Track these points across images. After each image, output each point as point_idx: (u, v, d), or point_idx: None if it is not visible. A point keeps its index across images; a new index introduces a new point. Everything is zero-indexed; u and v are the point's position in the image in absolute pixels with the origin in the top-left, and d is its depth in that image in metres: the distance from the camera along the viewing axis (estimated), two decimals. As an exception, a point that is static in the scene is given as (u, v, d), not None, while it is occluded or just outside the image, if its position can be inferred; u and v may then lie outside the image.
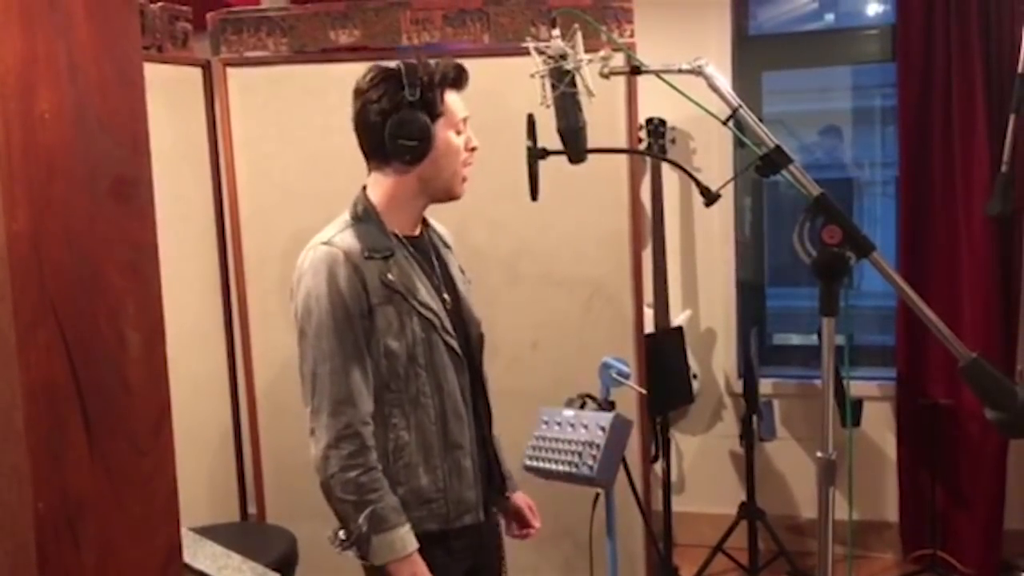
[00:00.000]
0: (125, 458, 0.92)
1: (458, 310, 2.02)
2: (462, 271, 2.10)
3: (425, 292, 1.92)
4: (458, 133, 1.93)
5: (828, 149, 4.18)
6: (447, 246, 2.10)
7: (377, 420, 1.88)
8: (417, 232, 2.01)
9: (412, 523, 1.87)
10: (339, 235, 1.89)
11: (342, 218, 1.95)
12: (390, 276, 1.87)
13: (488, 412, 2.09)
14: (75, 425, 0.88)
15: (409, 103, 1.85)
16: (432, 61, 1.92)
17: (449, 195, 1.97)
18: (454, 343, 1.94)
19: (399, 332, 1.87)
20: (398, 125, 1.86)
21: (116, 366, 0.91)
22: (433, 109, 1.88)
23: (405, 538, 1.84)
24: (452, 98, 1.92)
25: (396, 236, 1.93)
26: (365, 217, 1.92)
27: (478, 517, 1.98)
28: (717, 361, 3.99)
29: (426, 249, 2.01)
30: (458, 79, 1.93)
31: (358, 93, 1.91)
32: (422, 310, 1.90)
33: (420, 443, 1.90)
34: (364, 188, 1.97)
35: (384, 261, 1.88)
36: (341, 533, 1.86)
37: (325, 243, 1.88)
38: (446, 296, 1.98)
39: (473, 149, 1.96)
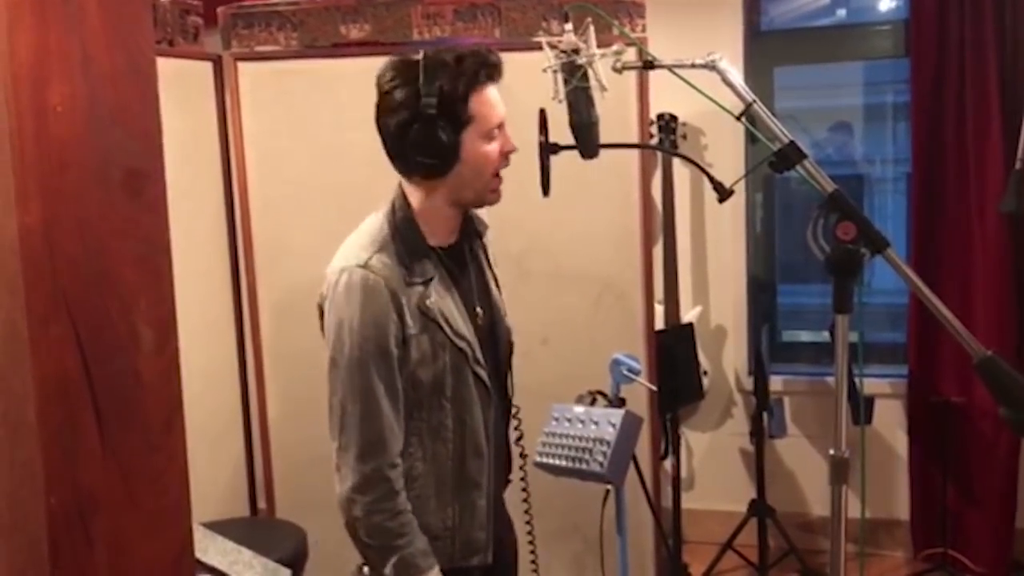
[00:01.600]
0: (137, 453, 0.92)
1: (491, 322, 1.91)
2: (492, 267, 1.97)
3: (459, 318, 1.79)
4: (490, 140, 1.75)
5: (839, 145, 4.16)
6: (486, 228, 1.97)
7: None
8: (455, 240, 1.87)
9: None
10: (377, 256, 1.73)
11: (379, 229, 1.78)
12: (428, 303, 1.74)
13: (508, 417, 1.97)
14: (87, 420, 0.87)
15: (427, 115, 1.67)
16: (455, 56, 1.71)
17: (479, 205, 1.85)
18: (483, 374, 1.82)
19: (431, 362, 1.75)
20: (417, 140, 1.70)
21: (128, 360, 0.91)
22: (457, 118, 1.70)
23: None
24: (483, 99, 1.72)
25: (435, 251, 1.80)
26: (404, 228, 1.77)
27: (486, 559, 1.86)
28: (728, 358, 3.97)
29: (462, 258, 1.88)
30: (489, 75, 1.72)
31: (378, 91, 1.75)
32: (456, 340, 1.77)
33: (434, 476, 1.79)
34: (400, 187, 1.82)
35: (424, 286, 1.75)
36: (366, 569, 1.79)
37: (362, 266, 1.71)
38: (479, 310, 1.87)
39: (509, 153, 1.79)
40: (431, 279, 1.76)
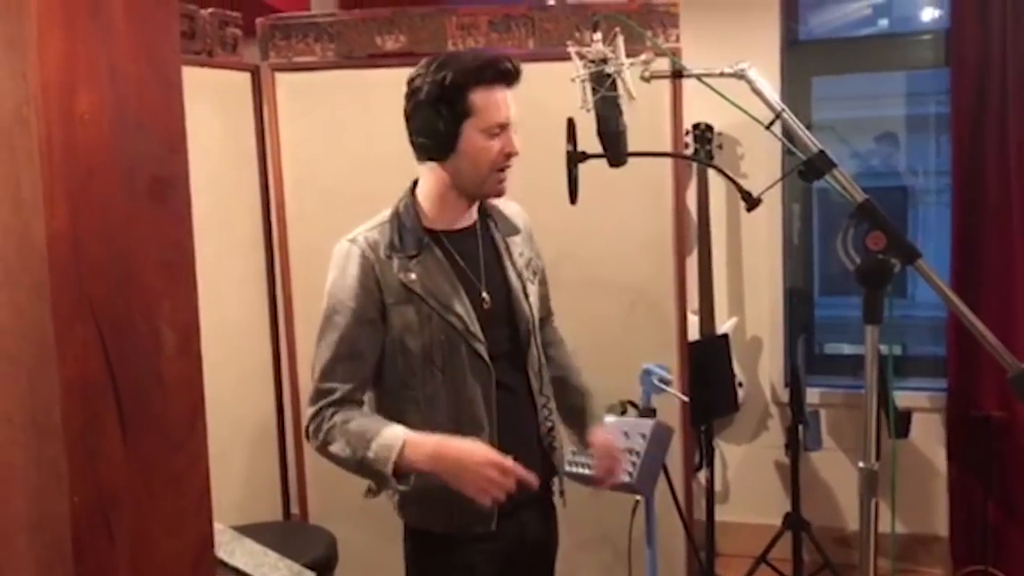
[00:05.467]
0: (159, 453, 0.94)
1: (504, 309, 1.96)
2: (524, 267, 2.02)
3: (452, 294, 1.88)
4: (490, 137, 1.84)
5: (884, 156, 4.11)
6: (515, 232, 2.04)
7: (393, 416, 1.89)
8: (465, 225, 1.97)
9: (416, 519, 1.93)
10: (367, 232, 1.92)
11: (384, 212, 1.96)
12: (412, 276, 1.87)
13: (535, 408, 2.00)
14: (110, 420, 0.89)
15: (429, 100, 1.82)
16: (473, 55, 1.86)
17: (480, 196, 1.95)
18: (481, 348, 1.89)
19: (417, 332, 1.87)
20: (418, 121, 1.85)
21: (151, 362, 0.93)
22: (456, 108, 1.81)
23: (391, 433, 1.82)
24: (488, 97, 1.82)
25: (433, 232, 1.91)
26: (404, 212, 1.93)
27: (488, 528, 1.90)
28: (763, 370, 3.94)
29: (472, 243, 1.96)
30: (497, 76, 1.82)
31: (407, 83, 1.90)
32: (443, 313, 1.87)
33: None
34: (415, 180, 1.98)
35: (407, 260, 1.88)
36: (365, 489, 1.92)
37: (350, 239, 1.92)
38: (485, 295, 1.93)
39: (509, 155, 1.87)
40: (415, 255, 1.88)
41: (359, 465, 1.84)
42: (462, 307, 1.89)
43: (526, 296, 2.00)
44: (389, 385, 1.93)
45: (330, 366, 1.89)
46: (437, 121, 1.82)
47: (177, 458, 0.96)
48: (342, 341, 1.89)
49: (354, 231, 1.95)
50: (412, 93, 1.86)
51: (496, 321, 1.95)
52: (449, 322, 1.87)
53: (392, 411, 1.91)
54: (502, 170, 1.88)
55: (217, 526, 1.82)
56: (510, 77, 1.83)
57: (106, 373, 0.89)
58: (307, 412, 1.92)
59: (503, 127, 1.85)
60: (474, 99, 1.81)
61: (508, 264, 2.00)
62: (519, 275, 2.00)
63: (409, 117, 1.88)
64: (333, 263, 1.93)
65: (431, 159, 1.89)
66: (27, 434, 0.89)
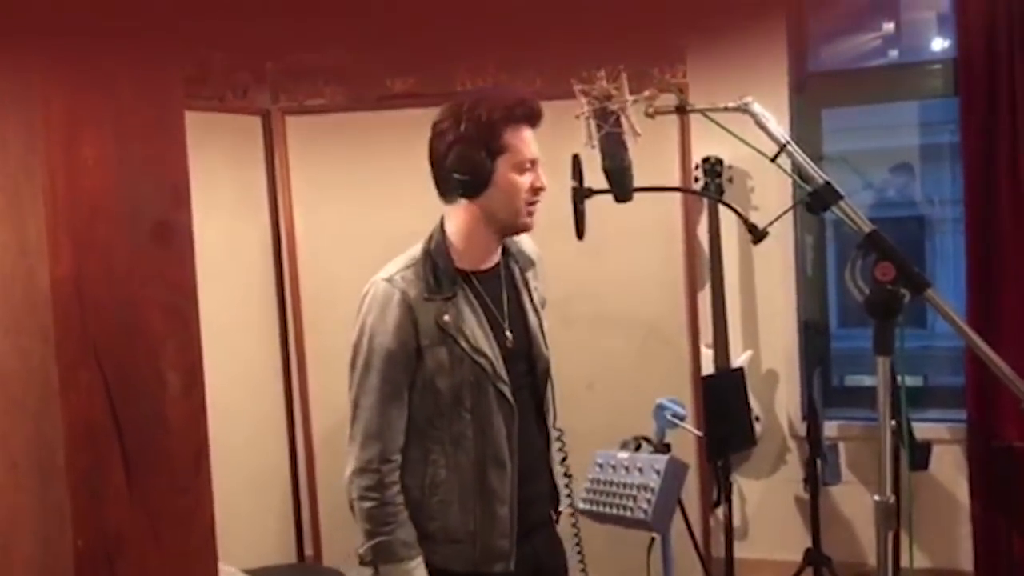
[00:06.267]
0: (164, 495, 0.94)
1: (526, 344, 2.03)
2: (539, 302, 2.09)
3: (482, 337, 1.93)
4: (521, 172, 1.91)
5: (899, 187, 4.10)
6: (531, 265, 2.10)
7: (419, 453, 1.93)
8: (491, 265, 2.01)
9: (439, 558, 1.92)
10: (402, 273, 1.93)
11: (414, 250, 1.98)
12: (446, 318, 1.89)
13: (547, 441, 2.08)
14: (115, 463, 0.90)
15: (467, 137, 1.87)
16: (499, 95, 1.92)
17: (513, 231, 1.99)
18: (506, 390, 1.95)
19: (448, 373, 1.90)
20: (455, 159, 1.88)
21: (155, 405, 0.93)
22: (492, 145, 1.88)
23: (411, 573, 1.88)
24: (517, 135, 1.90)
25: (463, 273, 1.95)
26: (436, 252, 1.95)
27: (508, 567, 1.96)
28: (780, 403, 3.91)
29: (497, 283, 2.01)
30: (526, 116, 1.90)
31: (432, 130, 1.94)
32: (474, 356, 1.91)
33: (457, 483, 1.93)
34: (442, 218, 2.00)
35: (443, 302, 1.91)
36: (361, 550, 1.94)
37: (387, 279, 1.92)
38: (509, 335, 1.98)
39: (539, 190, 1.94)
40: (451, 297, 1.91)
41: (369, 552, 1.91)
42: (490, 350, 1.94)
43: (542, 333, 2.07)
44: (415, 424, 1.95)
45: (380, 413, 1.91)
46: (474, 157, 1.87)
47: (182, 500, 0.96)
48: (386, 383, 1.90)
49: (387, 270, 1.95)
50: (442, 133, 1.90)
51: (517, 358, 2.01)
52: (479, 364, 1.91)
53: (417, 450, 1.94)
54: (532, 204, 1.94)
55: (229, 569, 1.82)
56: (536, 117, 1.92)
57: (110, 416, 0.89)
58: (356, 465, 1.93)
59: (533, 163, 1.92)
60: (507, 138, 1.89)
61: (527, 303, 2.06)
62: (537, 313, 2.07)
63: (442, 156, 1.90)
64: (370, 304, 1.93)
65: (464, 196, 1.92)
66: (32, 478, 0.89)
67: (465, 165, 1.88)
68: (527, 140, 1.91)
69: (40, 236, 0.86)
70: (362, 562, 1.94)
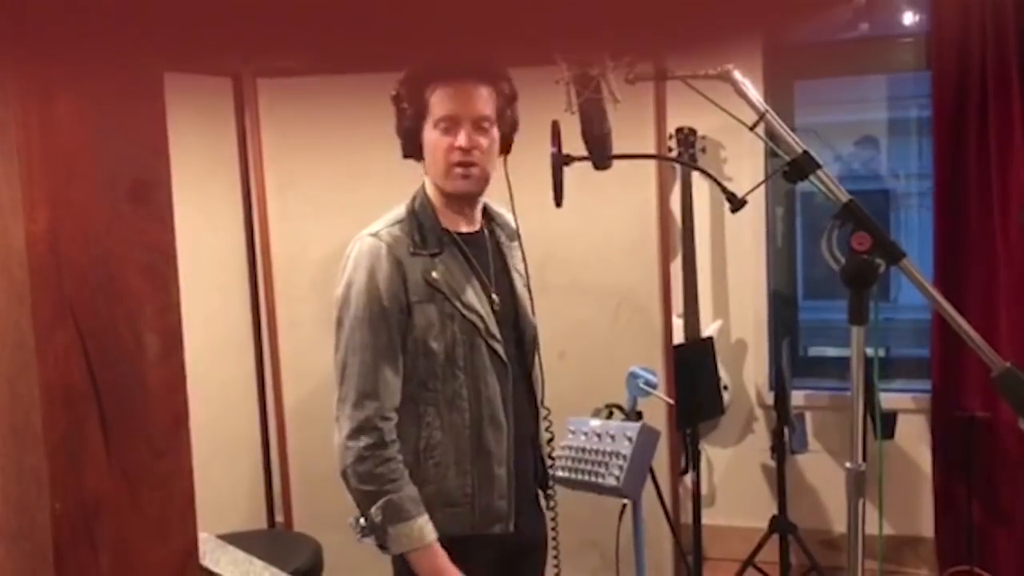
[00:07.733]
0: (142, 460, 0.93)
1: (512, 311, 2.00)
2: (525, 268, 2.06)
3: (472, 294, 1.90)
4: (442, 132, 1.86)
5: (864, 160, 4.13)
6: (514, 238, 2.06)
7: (411, 417, 1.88)
8: (474, 229, 1.99)
9: (436, 525, 1.86)
10: (388, 228, 1.90)
11: (398, 210, 1.95)
12: (434, 274, 1.87)
13: (536, 413, 2.06)
14: (92, 426, 0.88)
15: (400, 99, 1.89)
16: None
17: (446, 193, 1.93)
18: (499, 347, 1.92)
19: (439, 332, 1.87)
20: (396, 123, 1.92)
21: (134, 368, 0.91)
22: (418, 106, 1.88)
23: (423, 528, 1.83)
24: (439, 93, 1.86)
25: (449, 232, 1.93)
26: (421, 210, 1.92)
27: (507, 528, 1.95)
28: (748, 373, 3.95)
29: (482, 246, 1.99)
30: (445, 72, 1.85)
31: None
32: (465, 312, 1.88)
33: (453, 444, 1.89)
34: (424, 183, 1.98)
35: (431, 258, 1.88)
36: (362, 520, 1.88)
37: (373, 235, 1.89)
38: (495, 297, 1.96)
39: (459, 149, 1.86)
40: (438, 253, 1.88)
41: (374, 525, 1.84)
42: (481, 306, 1.91)
43: (531, 300, 2.04)
44: (407, 387, 1.90)
45: (373, 369, 1.84)
46: (403, 121, 1.90)
47: (161, 465, 0.94)
48: (377, 339, 1.85)
49: (373, 226, 1.92)
50: (392, 99, 1.92)
51: (504, 323, 1.98)
52: (471, 321, 1.89)
53: (410, 413, 1.89)
54: (459, 165, 1.88)
55: (202, 535, 1.81)
56: (460, 71, 1.85)
57: (88, 379, 0.87)
58: (352, 426, 1.84)
59: (452, 120, 1.86)
60: (427, 95, 1.87)
61: (513, 271, 2.04)
62: (523, 278, 2.05)
63: (396, 121, 1.93)
64: (357, 259, 1.88)
65: (413, 159, 1.93)
66: (7, 442, 0.87)
67: (399, 128, 1.91)
68: (446, 97, 1.85)
69: (14, 194, 0.83)
70: (363, 533, 1.88)
